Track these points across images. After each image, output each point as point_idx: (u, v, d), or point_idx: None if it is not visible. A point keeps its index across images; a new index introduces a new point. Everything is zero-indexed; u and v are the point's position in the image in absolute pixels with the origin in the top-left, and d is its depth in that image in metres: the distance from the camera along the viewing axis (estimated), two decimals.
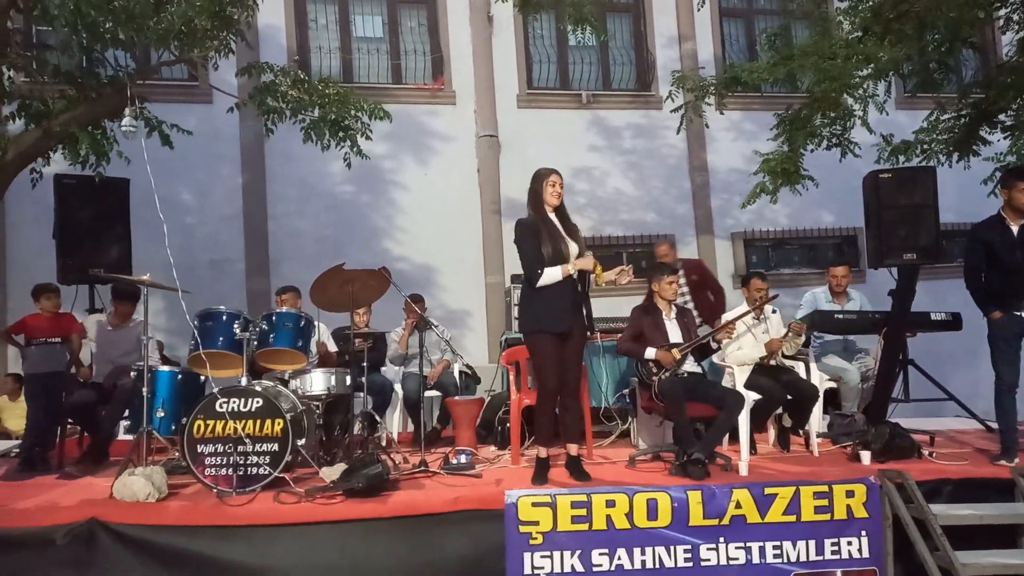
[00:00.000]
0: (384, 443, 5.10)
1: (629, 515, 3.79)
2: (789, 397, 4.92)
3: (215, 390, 4.15)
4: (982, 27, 7.25)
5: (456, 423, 5.55)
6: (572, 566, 3.73)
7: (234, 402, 4.10)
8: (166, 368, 4.80)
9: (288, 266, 8.23)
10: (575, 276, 4.13)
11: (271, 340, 4.64)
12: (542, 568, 3.72)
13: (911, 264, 5.20)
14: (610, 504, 3.80)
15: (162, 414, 4.49)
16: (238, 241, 8.48)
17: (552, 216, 4.23)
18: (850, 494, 3.95)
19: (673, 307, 4.90)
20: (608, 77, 9.73)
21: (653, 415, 5.02)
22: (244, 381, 4.35)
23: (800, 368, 5.22)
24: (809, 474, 4.24)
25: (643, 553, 3.77)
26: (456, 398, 5.80)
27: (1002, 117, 6.76)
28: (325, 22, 9.13)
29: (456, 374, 6.33)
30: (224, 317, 4.54)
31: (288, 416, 4.12)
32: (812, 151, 6.93)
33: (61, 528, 3.63)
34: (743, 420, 4.64)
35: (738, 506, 3.86)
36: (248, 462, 4.04)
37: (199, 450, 4.04)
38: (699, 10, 7.65)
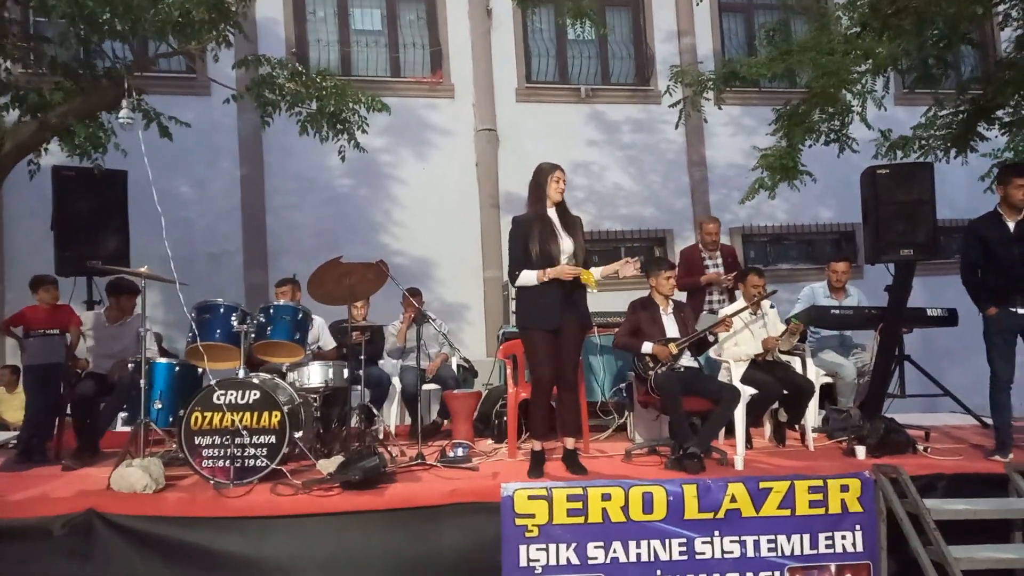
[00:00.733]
0: (381, 436, 5.11)
1: (625, 508, 3.80)
2: (785, 392, 4.93)
3: (213, 382, 4.15)
4: (981, 23, 7.24)
5: (453, 416, 5.57)
6: (568, 559, 3.75)
7: (231, 394, 4.11)
8: (164, 360, 4.81)
9: (286, 259, 8.22)
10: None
11: (269, 333, 4.65)
12: (538, 560, 3.73)
13: (908, 260, 5.21)
14: (606, 497, 3.81)
15: (160, 406, 4.51)
16: (236, 234, 8.48)
17: (552, 211, 4.23)
18: (845, 489, 3.96)
19: (670, 302, 4.91)
20: (607, 71, 9.72)
21: (649, 409, 5.03)
22: (242, 373, 4.36)
23: (796, 363, 5.23)
24: (804, 468, 4.26)
25: (638, 546, 3.79)
26: (454, 391, 5.81)
27: (1000, 113, 6.77)
28: (323, 15, 9.12)
29: (454, 367, 6.34)
30: (222, 310, 4.55)
31: (285, 409, 4.13)
32: (810, 146, 6.94)
33: (59, 519, 3.63)
34: (739, 415, 4.66)
35: (733, 500, 3.87)
36: (245, 454, 4.05)
37: (196, 442, 4.05)
38: (698, 5, 7.67)
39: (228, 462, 4.03)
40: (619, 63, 9.75)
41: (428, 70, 9.19)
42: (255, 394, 4.13)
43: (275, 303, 4.89)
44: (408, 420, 6.04)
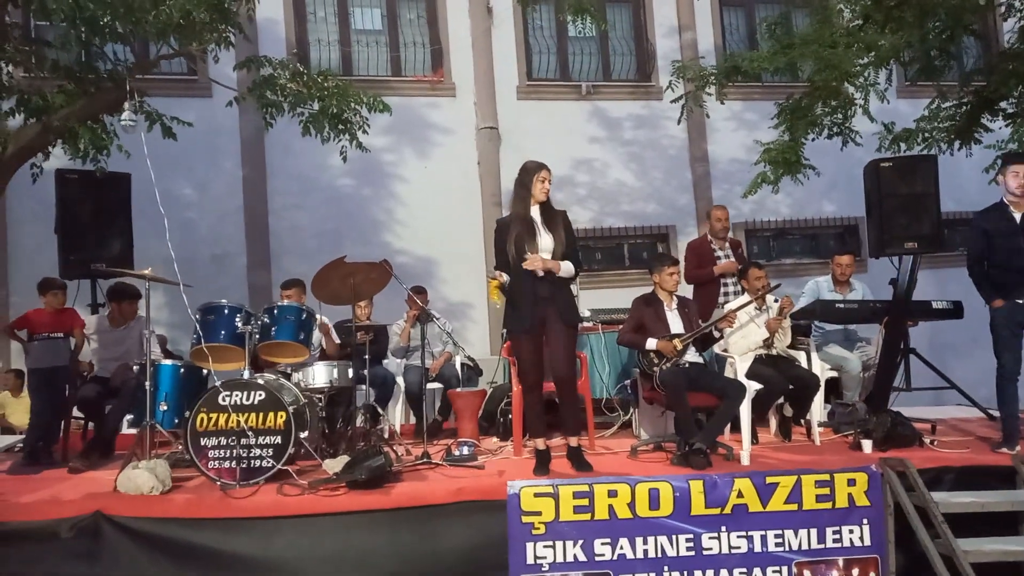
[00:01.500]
0: (386, 435, 5.11)
1: (631, 505, 3.80)
2: (790, 387, 4.92)
3: (218, 383, 4.16)
4: (983, 14, 7.22)
5: (458, 415, 5.56)
6: (574, 556, 3.75)
7: (237, 395, 4.11)
8: (168, 362, 4.81)
9: (289, 260, 8.24)
10: (540, 274, 4.05)
11: (273, 333, 4.65)
12: (544, 558, 3.73)
13: (912, 253, 5.19)
14: (612, 494, 3.81)
15: (165, 408, 4.51)
16: (239, 235, 8.49)
17: (535, 210, 4.21)
18: (851, 483, 3.96)
19: (674, 298, 4.90)
20: (608, 68, 9.70)
21: (655, 405, 5.03)
22: (246, 374, 4.36)
23: (801, 357, 5.22)
24: (810, 463, 4.25)
25: (645, 543, 3.79)
26: (458, 390, 5.81)
27: (1003, 104, 6.74)
28: (324, 15, 9.11)
29: (458, 366, 6.33)
30: (226, 311, 4.55)
31: (291, 409, 4.13)
32: (813, 140, 6.92)
33: (66, 522, 3.65)
34: (744, 410, 4.65)
35: (740, 495, 3.87)
36: (251, 455, 4.05)
37: (202, 443, 4.05)
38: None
39: (234, 463, 4.04)
40: (620, 59, 9.73)
41: (429, 69, 9.18)
42: (260, 395, 4.13)
43: (279, 303, 4.88)
44: (413, 419, 6.03)
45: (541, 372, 4.16)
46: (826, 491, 3.93)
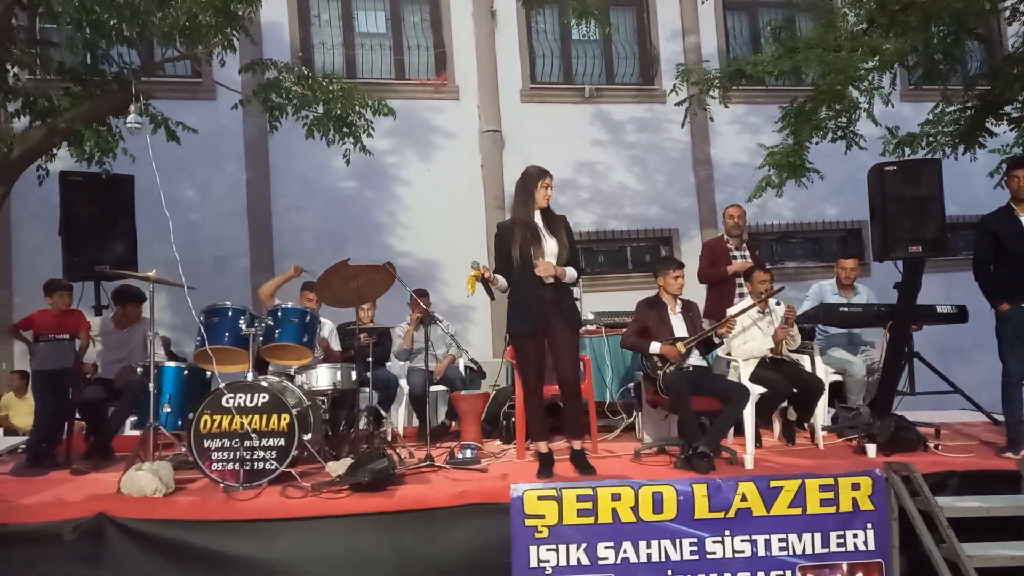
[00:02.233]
0: (390, 438, 5.11)
1: (635, 508, 3.80)
2: (794, 390, 4.91)
3: (221, 385, 4.16)
4: (988, 18, 7.21)
5: (461, 418, 5.56)
6: (578, 559, 3.74)
7: (240, 397, 4.12)
8: (172, 364, 4.82)
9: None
10: (550, 280, 4.07)
11: (277, 336, 4.66)
12: (548, 561, 3.73)
13: (917, 257, 5.18)
14: (616, 497, 3.81)
15: (168, 409, 4.52)
16: (242, 237, 8.50)
17: (536, 215, 4.21)
18: (856, 487, 3.95)
19: (678, 301, 4.89)
20: (611, 71, 9.71)
21: (658, 409, 5.02)
22: (250, 376, 4.36)
23: (805, 361, 5.21)
24: (814, 467, 4.25)
25: (649, 546, 3.78)
26: (461, 393, 5.81)
27: (1008, 109, 6.71)
28: (328, 18, 9.13)
29: (461, 369, 6.33)
30: (230, 313, 4.56)
31: (294, 411, 4.13)
32: (817, 144, 6.91)
33: (69, 523, 3.65)
34: (748, 413, 4.64)
35: (743, 499, 3.86)
36: (255, 457, 4.05)
37: (206, 445, 4.06)
38: (703, 3, 7.62)
39: (237, 465, 4.04)
40: (623, 63, 9.73)
41: (432, 72, 9.20)
42: (264, 397, 4.13)
43: (283, 306, 4.89)
44: (416, 422, 6.03)
45: (543, 375, 4.17)
46: (830, 495, 3.92)
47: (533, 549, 3.73)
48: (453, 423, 6.07)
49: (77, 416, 5.23)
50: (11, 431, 7.04)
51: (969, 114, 6.77)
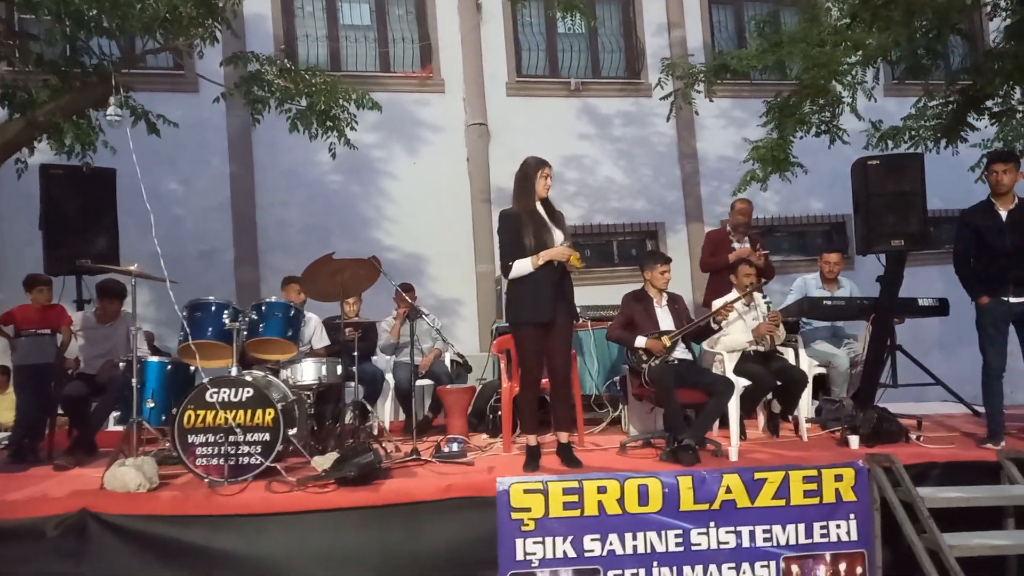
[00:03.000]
0: (375, 432, 5.10)
1: (620, 501, 3.82)
2: (778, 383, 4.95)
3: (205, 380, 4.13)
4: (970, 13, 7.27)
5: (448, 412, 5.56)
6: (564, 552, 3.76)
7: (224, 392, 4.09)
8: (155, 359, 4.78)
9: (277, 256, 8.20)
10: (555, 264, 4.09)
11: (261, 330, 4.63)
12: (534, 554, 3.74)
13: (899, 250, 5.23)
14: (601, 490, 3.82)
15: (152, 404, 4.49)
16: (226, 231, 8.43)
17: (539, 206, 4.22)
18: (839, 478, 3.98)
19: (664, 294, 4.91)
20: (597, 65, 9.70)
21: (644, 402, 5.05)
22: (234, 371, 4.34)
23: (789, 354, 5.25)
24: (798, 459, 4.28)
25: (634, 538, 3.80)
26: (447, 387, 5.81)
27: (989, 103, 6.79)
28: (312, 10, 9.06)
29: (447, 363, 6.33)
30: (213, 307, 4.52)
31: (279, 406, 4.11)
32: (801, 138, 6.95)
33: (52, 519, 3.62)
34: (733, 406, 4.67)
35: (728, 491, 3.89)
36: (239, 452, 4.03)
37: (190, 440, 4.03)
38: None
39: (222, 460, 4.02)
40: (609, 56, 9.73)
41: (418, 65, 9.15)
42: (248, 391, 4.11)
43: (267, 300, 4.86)
44: (402, 416, 6.03)
45: (543, 367, 4.17)
46: (813, 487, 3.96)
47: (519, 542, 3.74)
48: (438, 417, 6.07)
49: (60, 411, 5.18)
50: None
51: (951, 109, 6.83)
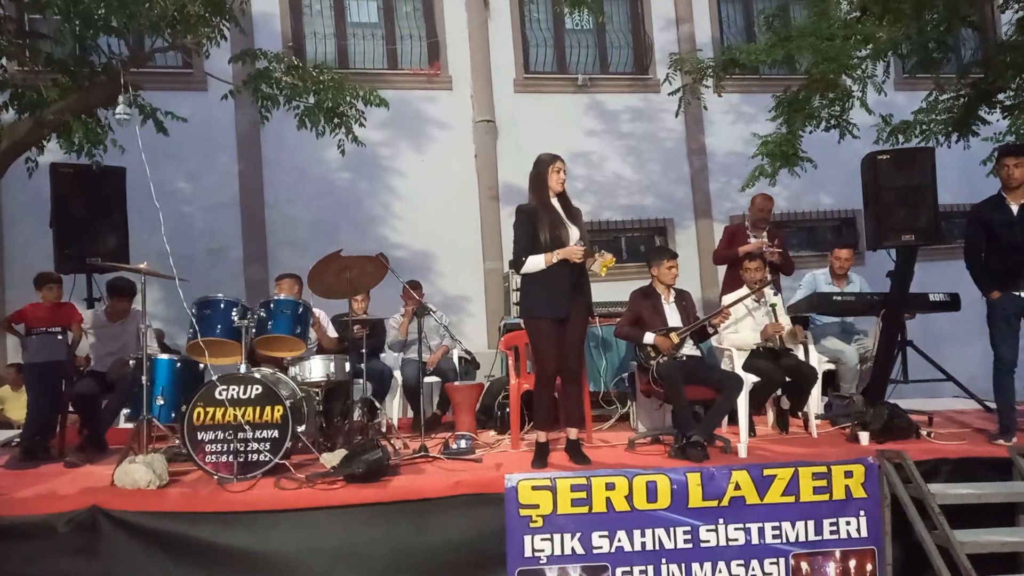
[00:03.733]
0: (384, 429, 5.11)
1: (629, 498, 3.81)
2: (787, 379, 4.93)
3: (214, 377, 4.15)
4: (981, 6, 7.19)
5: (456, 408, 5.57)
6: (572, 548, 3.76)
7: (233, 389, 4.11)
8: (165, 356, 4.80)
9: (285, 253, 8.21)
10: (572, 262, 4.08)
11: (269, 327, 4.65)
12: (542, 551, 3.74)
13: (910, 245, 5.19)
14: (610, 487, 3.82)
15: (162, 402, 4.51)
16: (234, 229, 8.47)
17: (555, 201, 4.21)
18: (849, 475, 3.96)
19: (672, 291, 4.90)
20: (605, 60, 9.67)
21: (652, 398, 5.03)
22: (243, 368, 4.36)
23: (799, 350, 5.22)
24: (808, 455, 4.26)
25: (643, 535, 3.79)
26: (455, 383, 5.82)
27: (1001, 97, 6.72)
28: (319, 8, 9.07)
29: (455, 360, 6.33)
30: (222, 305, 4.54)
31: (288, 403, 4.12)
32: (810, 133, 6.90)
33: (63, 516, 3.64)
34: (742, 402, 4.65)
35: (737, 488, 3.88)
36: (248, 449, 4.05)
37: (199, 437, 4.05)
38: None
39: (231, 457, 4.04)
40: (617, 52, 9.70)
41: (425, 62, 9.15)
42: (257, 389, 4.12)
43: (275, 297, 4.88)
44: (410, 413, 6.04)
45: (560, 362, 4.15)
46: (823, 483, 3.94)
47: (528, 539, 3.74)
48: (446, 414, 6.08)
49: (70, 409, 5.22)
50: (6, 424, 7.03)
51: (962, 102, 6.77)
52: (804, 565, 3.88)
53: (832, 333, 5.86)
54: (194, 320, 4.44)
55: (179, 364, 4.72)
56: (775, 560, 3.86)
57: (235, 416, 4.06)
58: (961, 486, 4.01)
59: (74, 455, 4.72)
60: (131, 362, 4.74)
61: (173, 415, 4.51)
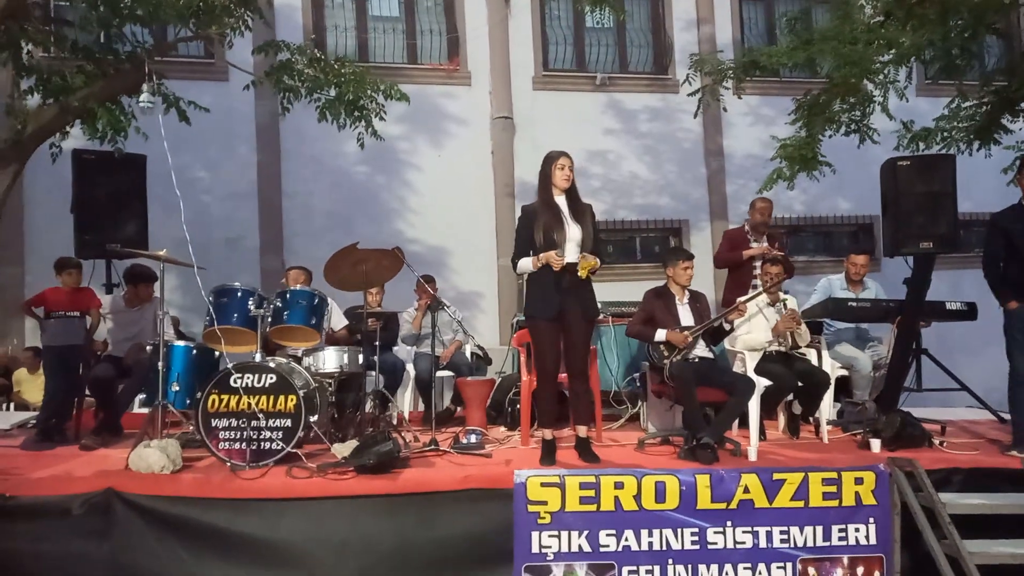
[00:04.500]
0: (395, 421, 5.14)
1: (637, 497, 3.81)
2: (800, 384, 4.91)
3: (229, 365, 4.19)
4: (1006, 13, 7.12)
5: (467, 403, 5.58)
6: (579, 546, 3.76)
7: (248, 378, 4.14)
8: (181, 343, 4.85)
9: (301, 245, 8.28)
10: (564, 264, 4.04)
11: (285, 317, 4.68)
12: (549, 547, 3.75)
13: (928, 253, 5.15)
14: (618, 486, 3.82)
15: (177, 388, 4.55)
16: (252, 219, 8.54)
17: (561, 199, 4.20)
18: (859, 481, 3.94)
19: (687, 292, 4.89)
20: (625, 59, 9.66)
21: (663, 399, 5.03)
22: (258, 357, 4.40)
23: (812, 355, 5.20)
24: (818, 460, 4.24)
25: (650, 535, 3.80)
26: (467, 379, 5.83)
27: None
28: (341, 1, 9.11)
29: (468, 355, 6.35)
30: (239, 294, 4.59)
31: (301, 393, 4.16)
32: (830, 137, 6.86)
33: (78, 498, 3.70)
34: (753, 406, 4.64)
35: (746, 491, 3.87)
36: (261, 437, 4.09)
37: (213, 424, 4.09)
38: None
39: (244, 444, 4.07)
40: (637, 51, 9.68)
41: (445, 57, 9.17)
42: (271, 378, 4.16)
43: (291, 288, 4.91)
44: (421, 407, 6.06)
45: (559, 361, 4.16)
46: (833, 489, 3.92)
47: (535, 535, 3.75)
48: (458, 409, 6.10)
49: (87, 393, 5.28)
50: (23, 406, 7.13)
51: (985, 110, 6.71)
52: (811, 570, 3.87)
53: (846, 339, 5.83)
54: (211, 308, 4.49)
55: (195, 351, 4.76)
56: (782, 564, 3.85)
57: (249, 404, 4.09)
58: (972, 496, 3.99)
59: (89, 438, 4.78)
60: (148, 348, 4.79)
61: (188, 401, 4.55)
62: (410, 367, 5.96)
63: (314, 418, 4.32)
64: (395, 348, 6.15)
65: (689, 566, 3.80)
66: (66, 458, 4.41)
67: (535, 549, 3.74)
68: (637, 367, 5.69)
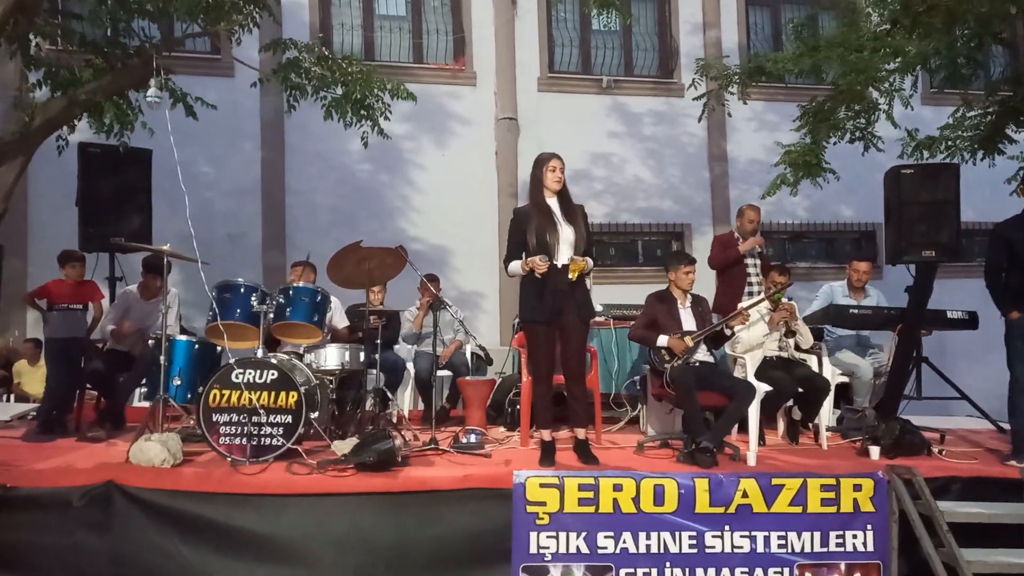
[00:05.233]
0: (395, 420, 5.15)
1: (636, 500, 3.82)
2: (800, 390, 4.91)
3: (231, 361, 4.20)
4: (1013, 22, 7.13)
5: (467, 403, 5.59)
6: (577, 548, 3.77)
7: (250, 373, 4.15)
8: (183, 337, 4.87)
9: (304, 241, 8.27)
10: (559, 267, 4.05)
11: (287, 314, 4.69)
12: (547, 548, 3.76)
13: (930, 261, 5.16)
14: (617, 488, 3.83)
15: (178, 382, 4.57)
16: (255, 215, 8.56)
17: (552, 201, 4.20)
18: (857, 488, 3.95)
19: (688, 296, 4.89)
20: (630, 63, 9.68)
21: (663, 402, 5.04)
22: (260, 353, 4.41)
23: (813, 362, 5.21)
24: (817, 467, 4.24)
25: (648, 538, 3.80)
26: (467, 378, 5.84)
27: None
28: None
29: (468, 355, 6.36)
30: (242, 289, 4.60)
31: (302, 389, 4.16)
32: (834, 144, 6.87)
33: (79, 490, 3.71)
34: (753, 411, 4.65)
35: (745, 495, 3.88)
36: (262, 432, 4.09)
37: (214, 419, 4.10)
38: None
39: (245, 440, 4.08)
40: (643, 55, 9.70)
41: (451, 57, 9.19)
42: (273, 374, 4.16)
43: (294, 284, 4.93)
44: (421, 405, 6.08)
45: (553, 363, 4.17)
46: (831, 495, 3.93)
47: (533, 535, 3.76)
48: (456, 408, 6.11)
49: (87, 386, 5.30)
50: (23, 398, 7.15)
51: (990, 119, 6.72)
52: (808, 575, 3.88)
53: (847, 346, 5.83)
54: (214, 303, 4.50)
55: (197, 346, 4.78)
56: (779, 569, 3.85)
57: (250, 400, 4.10)
58: (971, 505, 3.99)
59: (91, 429, 4.79)
60: (150, 340, 4.80)
61: (189, 396, 4.57)
62: (410, 366, 5.98)
63: (315, 415, 4.33)
64: (396, 347, 6.17)
65: (686, 569, 3.80)
66: (67, 450, 4.42)
67: (533, 549, 3.75)
68: (638, 370, 5.70)
